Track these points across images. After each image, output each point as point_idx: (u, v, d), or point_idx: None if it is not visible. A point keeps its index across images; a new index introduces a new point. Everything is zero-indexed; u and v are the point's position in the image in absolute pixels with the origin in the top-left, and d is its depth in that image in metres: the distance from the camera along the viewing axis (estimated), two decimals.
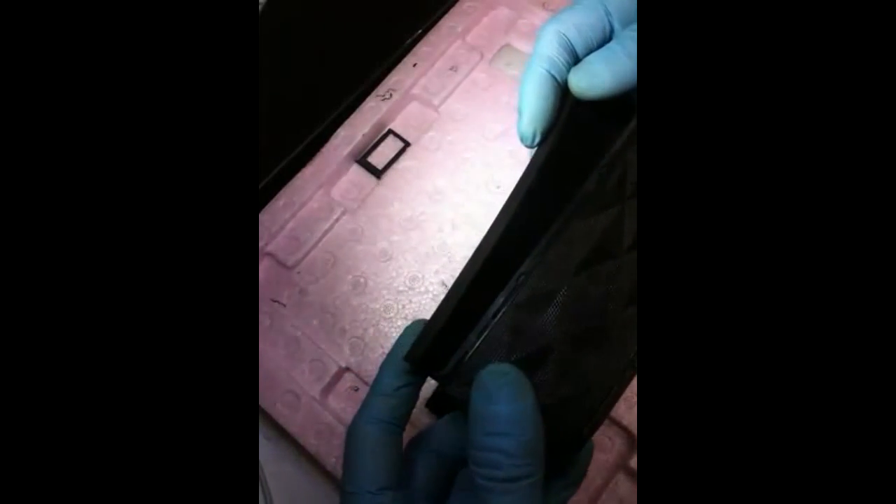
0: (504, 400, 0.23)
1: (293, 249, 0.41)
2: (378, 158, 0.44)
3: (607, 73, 0.27)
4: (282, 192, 0.43)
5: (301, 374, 0.38)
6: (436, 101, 0.45)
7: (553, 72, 0.29)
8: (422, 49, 0.46)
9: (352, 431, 0.27)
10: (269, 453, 0.38)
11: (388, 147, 0.44)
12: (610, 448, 0.34)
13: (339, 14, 0.48)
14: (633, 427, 0.34)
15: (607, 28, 0.29)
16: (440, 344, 0.25)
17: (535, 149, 0.29)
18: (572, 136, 0.28)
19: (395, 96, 0.44)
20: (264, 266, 0.41)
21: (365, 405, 0.28)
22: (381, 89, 0.45)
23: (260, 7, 0.48)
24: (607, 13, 0.29)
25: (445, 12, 0.47)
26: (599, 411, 0.25)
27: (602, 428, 0.35)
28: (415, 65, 0.46)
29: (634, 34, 0.27)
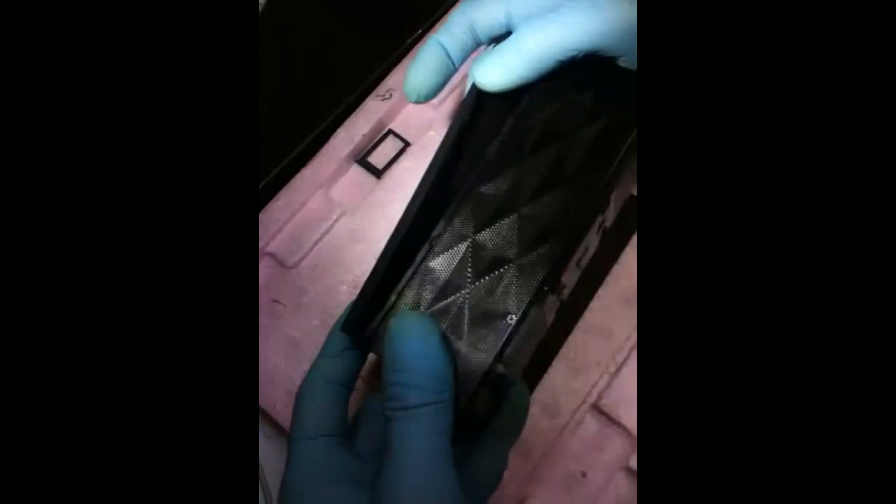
0: (407, 340, 0.25)
1: (293, 250, 0.41)
2: (378, 158, 0.44)
3: (499, 70, 0.30)
4: (281, 192, 0.43)
5: (301, 375, 0.38)
6: (436, 101, 0.45)
7: (447, 46, 0.32)
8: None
9: (298, 391, 0.29)
10: (269, 453, 0.38)
11: (388, 147, 0.44)
12: (609, 448, 0.34)
13: (339, 14, 0.48)
14: (633, 427, 0.34)
15: (502, 20, 0.31)
16: (372, 312, 0.28)
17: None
18: (480, 114, 0.32)
19: (395, 96, 0.44)
20: (264, 266, 0.41)
21: (312, 367, 0.29)
22: (381, 89, 0.45)
23: (260, 7, 0.48)
24: (507, 6, 0.31)
25: (445, 12, 0.47)
26: (508, 346, 0.28)
27: (601, 427, 0.35)
28: None
29: (528, 30, 0.30)
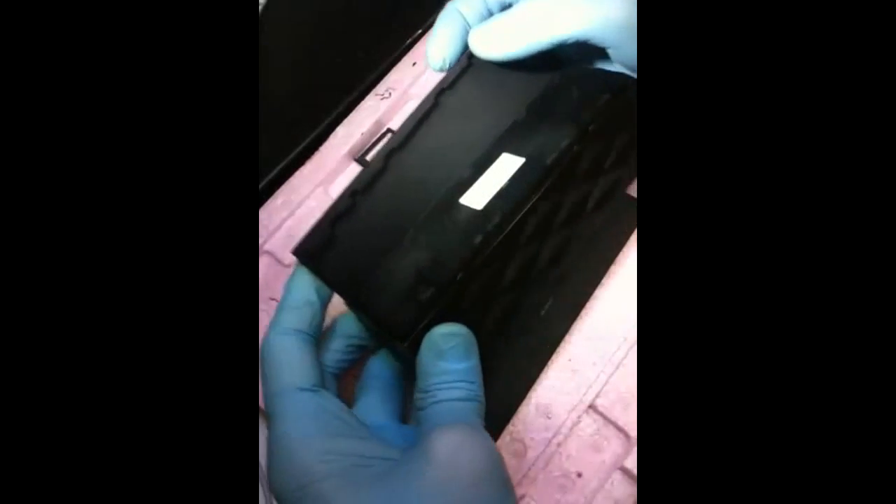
0: (454, 358, 0.26)
1: (291, 248, 0.41)
2: None
3: (495, 42, 0.31)
4: (280, 190, 0.43)
5: None
6: None
7: (464, 13, 0.33)
8: (421, 48, 0.46)
9: (265, 346, 0.28)
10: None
11: None
12: (606, 448, 0.34)
13: (339, 14, 0.48)
14: (629, 427, 0.34)
15: None
16: (324, 239, 0.30)
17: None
18: (467, 75, 0.33)
19: (394, 95, 0.44)
20: (263, 264, 0.41)
21: (274, 320, 0.29)
22: (381, 88, 0.45)
23: (260, 7, 0.48)
24: None
25: None
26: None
27: (597, 428, 0.35)
28: (414, 64, 0.46)
29: (529, 8, 0.30)
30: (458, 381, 0.26)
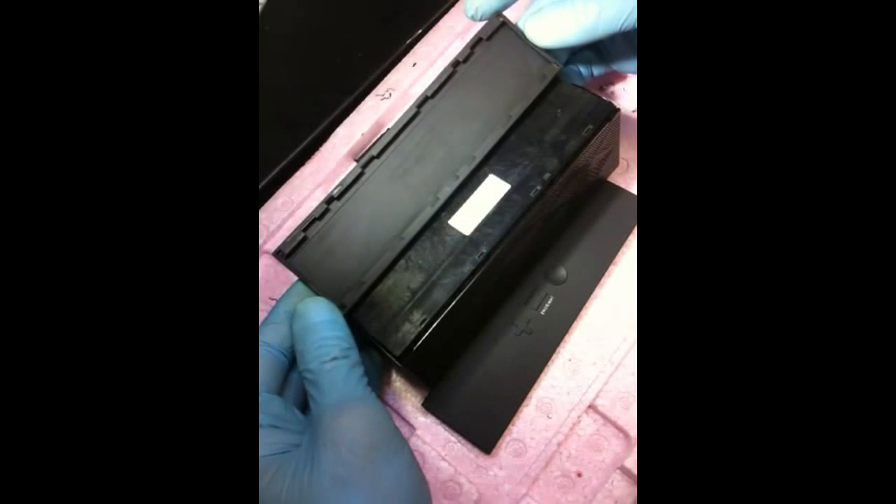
0: (318, 313, 0.30)
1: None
2: None
3: (554, 31, 0.32)
4: (280, 190, 0.43)
5: None
6: None
7: None
8: (421, 48, 0.46)
9: None
10: None
11: None
12: (605, 448, 0.34)
13: (339, 14, 0.48)
14: (629, 427, 0.34)
15: None
16: (297, 241, 0.32)
17: None
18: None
19: (395, 95, 0.44)
20: (263, 264, 0.41)
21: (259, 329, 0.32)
22: (381, 89, 0.45)
23: (260, 7, 0.48)
24: None
25: (445, 12, 0.47)
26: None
27: (597, 428, 0.35)
28: (414, 64, 0.46)
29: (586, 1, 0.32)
30: (331, 336, 0.29)
